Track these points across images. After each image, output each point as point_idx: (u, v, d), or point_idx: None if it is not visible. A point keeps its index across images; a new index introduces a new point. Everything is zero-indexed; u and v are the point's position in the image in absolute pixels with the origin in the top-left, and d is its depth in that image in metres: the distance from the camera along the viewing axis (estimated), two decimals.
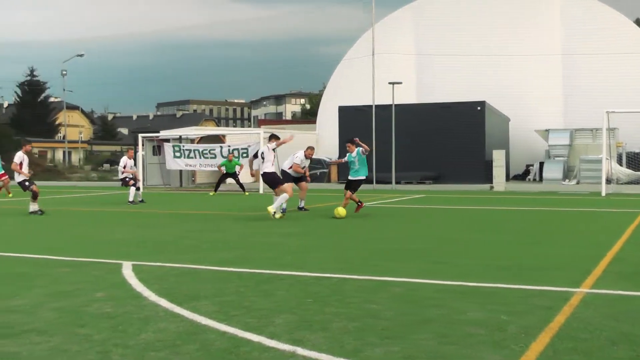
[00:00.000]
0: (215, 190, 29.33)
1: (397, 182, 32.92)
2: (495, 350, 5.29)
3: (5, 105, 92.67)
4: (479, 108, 36.06)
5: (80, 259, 10.21)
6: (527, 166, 41.24)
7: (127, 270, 9.08)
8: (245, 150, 31.29)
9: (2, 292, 7.72)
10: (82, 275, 8.81)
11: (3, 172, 24.62)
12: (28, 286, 8.03)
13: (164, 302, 7.04)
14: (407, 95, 39.05)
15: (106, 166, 68.19)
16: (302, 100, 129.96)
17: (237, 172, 29.54)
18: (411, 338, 5.66)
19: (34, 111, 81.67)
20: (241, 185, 29.04)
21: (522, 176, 41.28)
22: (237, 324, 6.13)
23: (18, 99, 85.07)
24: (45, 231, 14.41)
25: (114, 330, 5.97)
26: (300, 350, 5.31)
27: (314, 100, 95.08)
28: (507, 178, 36.06)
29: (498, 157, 31.51)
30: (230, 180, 30.60)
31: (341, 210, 16.58)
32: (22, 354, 5.33)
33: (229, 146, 32.45)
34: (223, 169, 29.96)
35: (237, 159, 30.37)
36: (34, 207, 17.87)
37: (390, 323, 6.16)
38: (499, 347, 5.37)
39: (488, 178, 32.65)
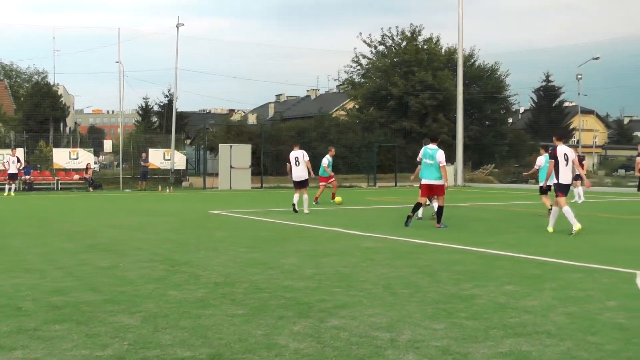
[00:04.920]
0: None
1: None
2: None
3: (522, 110, 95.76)
4: None
5: (592, 265, 10.09)
6: None
7: None
8: None
9: (516, 291, 7.99)
10: (594, 282, 8.67)
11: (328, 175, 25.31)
12: (541, 288, 8.18)
13: None
14: None
15: (621, 171, 66.31)
16: None
17: None
18: None
19: (549, 116, 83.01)
20: None
21: None
22: None
23: (534, 105, 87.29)
24: (561, 236, 14.49)
25: (627, 343, 5.76)
26: None
27: None
28: None
29: None
30: None
31: None
32: (533, 354, 5.45)
33: None
34: None
35: None
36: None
37: None
38: None
39: None
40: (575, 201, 26.30)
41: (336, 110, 70.85)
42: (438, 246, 12.41)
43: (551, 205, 16.39)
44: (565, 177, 14.85)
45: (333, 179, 25.74)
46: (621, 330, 6.21)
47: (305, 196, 20.27)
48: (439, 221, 16.11)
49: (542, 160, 18.98)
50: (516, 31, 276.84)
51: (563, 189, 14.89)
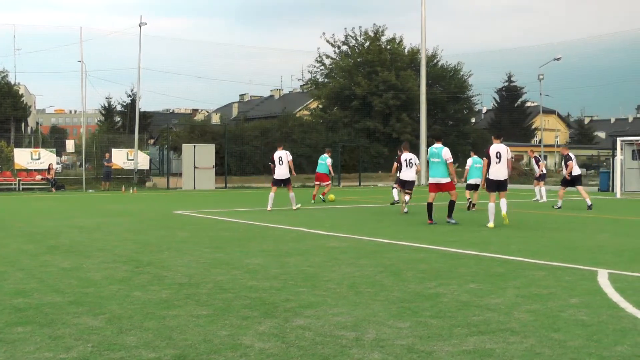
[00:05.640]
0: None
1: None
2: None
3: (484, 110, 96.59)
4: None
5: (554, 263, 10.21)
6: None
7: (603, 278, 8.82)
8: None
9: (480, 290, 8.06)
10: (556, 279, 8.78)
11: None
12: (504, 286, 8.26)
13: None
14: None
15: (582, 170, 67.12)
16: None
17: None
18: None
19: (511, 116, 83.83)
20: None
21: None
22: None
23: (496, 105, 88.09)
24: (523, 234, 14.65)
25: (589, 339, 5.84)
26: None
27: None
28: None
29: None
30: None
31: None
32: (496, 351, 5.50)
33: None
34: None
35: None
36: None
37: None
38: None
39: None
40: (537, 200, 26.62)
41: (300, 110, 70.82)
42: (402, 245, 12.48)
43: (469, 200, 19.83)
44: (496, 173, 16.01)
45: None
46: (583, 326, 6.29)
47: (292, 194, 21.30)
48: (449, 215, 16.78)
49: (470, 162, 21.76)
50: (479, 32, 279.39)
51: (491, 185, 16.13)
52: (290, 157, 21.26)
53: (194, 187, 38.73)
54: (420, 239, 13.23)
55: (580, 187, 22.68)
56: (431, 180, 16.92)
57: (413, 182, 20.13)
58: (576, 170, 22.74)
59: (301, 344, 5.71)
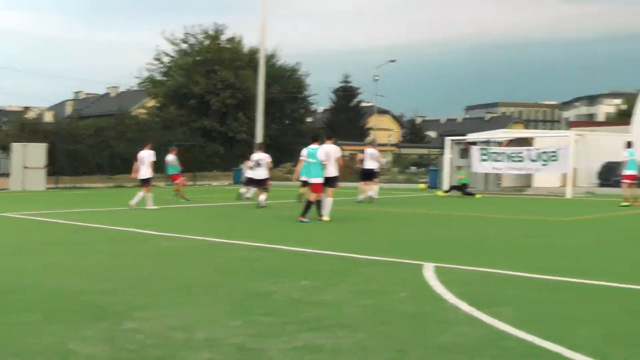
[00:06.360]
0: None
1: None
2: None
3: (321, 110, 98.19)
4: None
5: (384, 258, 10.51)
6: None
7: (429, 271, 9.17)
8: (554, 154, 30.52)
9: (312, 287, 8.16)
10: (386, 274, 9.04)
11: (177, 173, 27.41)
12: (336, 283, 8.42)
13: (464, 306, 7.00)
14: None
15: (413, 168, 69.59)
16: (618, 101, 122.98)
17: None
18: None
19: (347, 115, 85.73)
20: None
21: None
22: (536, 332, 5.92)
23: (333, 104, 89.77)
24: (356, 231, 14.99)
25: (414, 331, 6.05)
26: None
27: (631, 100, 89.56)
28: None
29: None
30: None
31: None
32: (327, 346, 5.59)
33: (537, 149, 31.80)
34: None
35: None
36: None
37: None
38: None
39: None
40: (371, 197, 27.32)
41: (136, 109, 69.29)
42: (236, 244, 12.45)
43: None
44: (329, 172, 16.97)
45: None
46: (410, 318, 6.51)
47: (145, 194, 21.17)
48: (303, 214, 16.74)
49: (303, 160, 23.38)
50: (318, 33, 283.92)
51: (327, 182, 16.96)
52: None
53: (23, 188, 37.05)
54: (255, 238, 13.25)
55: (371, 182, 24.50)
56: (305, 179, 17.50)
57: (265, 180, 21.78)
58: (369, 165, 24.37)
59: (131, 347, 5.57)
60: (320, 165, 16.84)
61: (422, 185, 35.58)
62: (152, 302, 7.25)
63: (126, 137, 48.96)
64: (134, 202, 20.65)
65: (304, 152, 17.39)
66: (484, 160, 33.37)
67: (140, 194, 21.11)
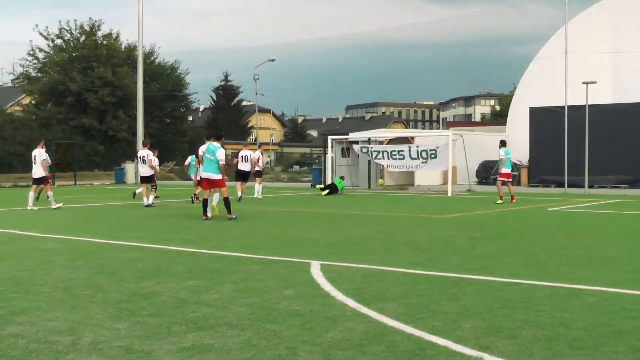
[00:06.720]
0: None
1: (590, 186, 31.47)
2: None
3: (201, 109, 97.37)
4: None
5: (270, 257, 10.54)
6: None
7: (316, 269, 9.25)
8: (433, 152, 31.42)
9: (198, 286, 8.10)
10: (272, 273, 9.07)
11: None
12: (221, 282, 8.38)
13: (351, 302, 7.11)
14: (602, 95, 37.13)
15: (296, 167, 70.04)
16: (492, 102, 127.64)
17: None
18: (604, 350, 5.37)
19: (228, 114, 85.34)
20: None
21: None
22: (423, 326, 6.09)
23: (213, 103, 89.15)
24: (240, 230, 14.96)
25: (302, 328, 6.10)
26: (487, 357, 5.19)
27: (505, 101, 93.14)
28: None
29: None
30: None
31: None
32: (215, 346, 5.57)
33: (417, 147, 32.65)
34: None
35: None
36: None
37: (583, 333, 5.88)
38: None
39: None
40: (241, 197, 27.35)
41: (11, 106, 66.74)
42: (119, 245, 12.22)
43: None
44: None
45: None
46: (297, 316, 6.55)
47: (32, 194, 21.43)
48: (229, 212, 16.99)
49: (189, 159, 25.81)
50: (196, 31, 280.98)
51: (204, 182, 17.34)
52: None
53: None
54: (137, 238, 13.04)
55: (245, 182, 25.77)
56: (204, 175, 17.38)
57: (150, 177, 22.30)
58: (243, 166, 25.70)
59: (13, 353, 5.36)
60: (217, 162, 16.93)
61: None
62: (34, 306, 7.01)
63: (1, 135, 47.24)
64: (30, 204, 20.89)
65: (202, 148, 17.83)
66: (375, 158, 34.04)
67: (31, 194, 21.33)
